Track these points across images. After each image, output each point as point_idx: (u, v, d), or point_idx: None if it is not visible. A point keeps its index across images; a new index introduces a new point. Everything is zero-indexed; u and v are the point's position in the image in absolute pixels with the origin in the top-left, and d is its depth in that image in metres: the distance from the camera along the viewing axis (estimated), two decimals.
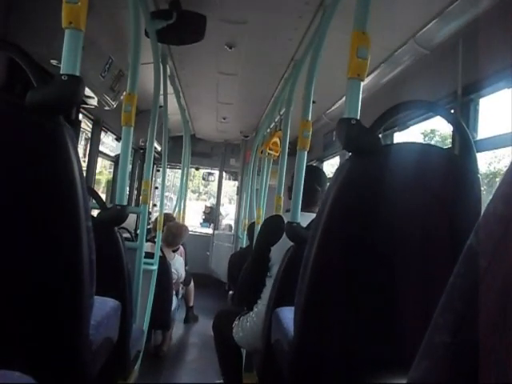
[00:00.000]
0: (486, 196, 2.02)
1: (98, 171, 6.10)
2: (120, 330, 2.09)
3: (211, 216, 10.28)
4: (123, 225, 2.81)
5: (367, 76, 3.80)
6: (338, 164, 5.65)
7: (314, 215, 2.13)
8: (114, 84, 4.13)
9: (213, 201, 10.89)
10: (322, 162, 6.52)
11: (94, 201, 2.67)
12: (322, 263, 1.63)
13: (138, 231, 3.58)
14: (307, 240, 1.74)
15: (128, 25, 2.76)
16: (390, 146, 2.05)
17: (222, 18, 3.46)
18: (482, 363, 0.51)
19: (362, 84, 1.75)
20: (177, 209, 7.37)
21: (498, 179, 0.56)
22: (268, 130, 6.07)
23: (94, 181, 5.49)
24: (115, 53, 3.91)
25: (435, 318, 0.58)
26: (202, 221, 11.25)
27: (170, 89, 4.64)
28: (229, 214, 11.08)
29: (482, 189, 1.70)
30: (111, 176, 6.99)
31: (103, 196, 6.43)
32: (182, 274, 5.43)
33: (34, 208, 1.32)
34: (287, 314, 2.06)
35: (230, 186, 11.02)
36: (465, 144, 1.72)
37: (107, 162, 7.02)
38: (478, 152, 1.76)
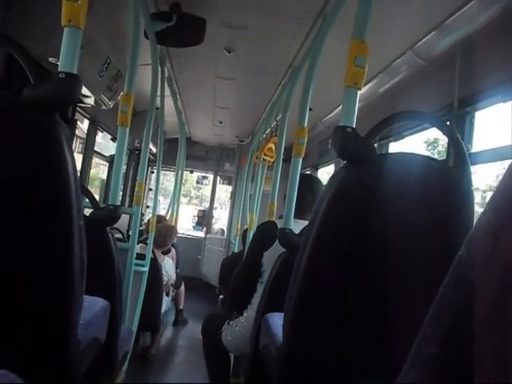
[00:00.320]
0: None
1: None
2: (108, 331, 2.09)
3: (204, 219, 10.25)
4: (116, 225, 2.81)
5: (365, 85, 3.81)
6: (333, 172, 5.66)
7: (306, 223, 2.13)
8: (111, 84, 4.12)
9: (206, 205, 10.84)
10: (317, 169, 6.53)
11: (87, 200, 2.66)
12: (313, 270, 1.63)
13: (130, 232, 3.57)
14: (299, 246, 1.75)
15: (128, 25, 2.76)
16: (385, 155, 2.05)
17: (221, 22, 3.46)
18: (474, 378, 0.51)
19: (359, 93, 1.76)
20: (169, 212, 7.36)
21: None
22: (264, 136, 6.07)
23: (88, 180, 5.48)
24: (114, 53, 3.91)
25: (423, 329, 0.58)
26: (194, 224, 11.21)
27: (167, 91, 4.64)
28: (221, 218, 11.05)
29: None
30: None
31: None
32: (172, 276, 5.43)
33: (26, 204, 1.32)
34: (276, 320, 2.06)
35: (222, 191, 10.99)
36: (459, 156, 1.73)
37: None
38: (472, 165, 1.77)
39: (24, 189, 1.32)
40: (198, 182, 10.70)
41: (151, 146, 6.72)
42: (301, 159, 2.71)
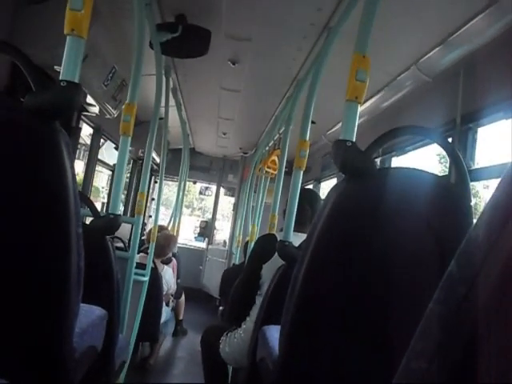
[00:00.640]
0: None
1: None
2: (105, 340, 2.08)
3: (206, 230, 10.26)
4: (118, 234, 2.81)
5: (368, 100, 3.84)
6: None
7: (306, 236, 2.13)
8: (116, 93, 4.14)
9: (208, 216, 10.83)
10: (320, 182, 6.53)
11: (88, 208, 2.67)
12: (310, 284, 1.63)
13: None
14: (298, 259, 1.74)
15: (133, 35, 2.77)
16: (385, 170, 2.05)
17: (226, 34, 3.47)
18: None
19: (361, 107, 1.76)
20: (171, 222, 7.36)
21: None
22: (267, 148, 6.08)
23: (91, 188, 5.49)
24: (119, 62, 3.93)
25: (413, 344, 0.58)
26: (196, 235, 11.21)
27: (172, 101, 4.66)
28: (223, 229, 11.04)
29: None
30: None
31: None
32: (172, 286, 5.42)
33: (24, 211, 1.32)
34: (273, 333, 2.05)
35: (225, 203, 10.99)
36: (459, 173, 1.73)
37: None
38: (475, 181, 1.77)
39: (22, 195, 1.32)
40: (200, 193, 10.71)
41: (155, 156, 6.73)
42: (302, 172, 2.71)
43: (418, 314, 0.60)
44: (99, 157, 5.62)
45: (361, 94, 1.73)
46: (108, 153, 6.28)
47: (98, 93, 3.86)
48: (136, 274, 3.47)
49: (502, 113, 2.53)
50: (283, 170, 3.61)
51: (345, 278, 1.60)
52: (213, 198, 10.14)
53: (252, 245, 4.86)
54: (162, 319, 5.04)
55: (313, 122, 2.78)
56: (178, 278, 6.03)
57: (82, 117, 4.50)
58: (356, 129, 1.74)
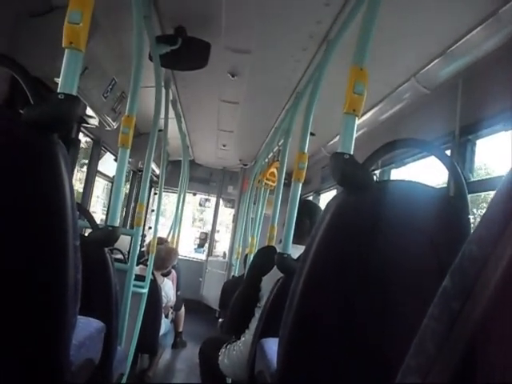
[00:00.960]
0: None
1: None
2: (103, 352, 2.07)
3: (205, 242, 10.24)
4: (117, 246, 2.80)
5: (367, 112, 3.85)
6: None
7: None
8: (115, 105, 4.15)
9: (208, 227, 10.82)
10: (319, 194, 6.53)
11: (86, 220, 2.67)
12: (308, 297, 1.62)
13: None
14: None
15: (133, 48, 2.78)
16: (383, 182, 2.05)
17: (226, 47, 3.49)
18: None
19: (360, 119, 1.76)
20: (171, 234, 7.35)
21: None
22: (266, 160, 6.09)
23: (90, 200, 5.49)
24: (119, 75, 3.94)
25: (408, 360, 0.58)
26: (196, 246, 11.19)
27: (171, 113, 4.67)
28: (220, 241, 11.02)
29: None
30: None
31: None
32: (172, 298, 5.40)
33: (21, 223, 1.32)
34: (272, 346, 2.04)
35: (225, 214, 10.98)
36: (457, 185, 1.73)
37: None
38: (473, 193, 1.77)
39: (19, 207, 1.32)
40: (200, 205, 10.71)
41: (154, 168, 6.73)
42: (301, 184, 2.71)
43: (416, 329, 0.59)
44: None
45: (359, 107, 1.74)
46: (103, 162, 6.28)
47: (97, 105, 3.87)
48: (135, 285, 3.46)
49: (501, 125, 2.53)
50: (282, 181, 3.61)
51: (343, 291, 1.59)
52: (212, 209, 10.14)
53: (251, 257, 4.85)
54: (161, 331, 5.01)
55: (312, 134, 2.79)
56: (177, 290, 6.01)
57: (82, 128, 4.51)
58: (354, 141, 1.74)
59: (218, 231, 10.53)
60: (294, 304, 1.63)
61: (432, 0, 2.44)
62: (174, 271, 5.97)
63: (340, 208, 1.60)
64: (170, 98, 4.46)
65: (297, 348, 1.66)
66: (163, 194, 5.20)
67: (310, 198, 6.61)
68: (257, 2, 2.85)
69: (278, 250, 2.63)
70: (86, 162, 5.51)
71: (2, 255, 1.30)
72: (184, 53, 3.32)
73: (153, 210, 8.87)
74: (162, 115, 3.80)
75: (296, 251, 2.55)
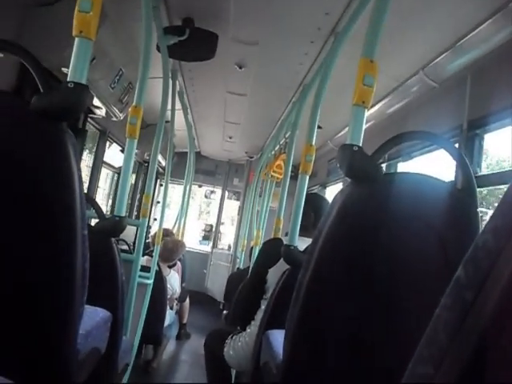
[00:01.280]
0: None
1: None
2: (109, 342, 2.08)
3: (211, 234, 10.25)
4: (123, 237, 2.80)
5: (375, 105, 3.84)
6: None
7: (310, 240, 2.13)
8: (122, 96, 4.15)
9: (214, 219, 10.80)
10: (325, 187, 6.52)
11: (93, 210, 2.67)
12: (315, 289, 1.62)
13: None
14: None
15: (141, 38, 2.78)
16: (391, 175, 2.03)
17: (233, 38, 3.48)
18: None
19: (368, 112, 1.75)
20: (176, 225, 7.36)
21: None
22: (273, 152, 6.08)
23: (96, 190, 5.49)
24: (126, 65, 3.94)
25: (420, 350, 0.58)
26: (201, 238, 11.19)
27: (178, 105, 4.66)
28: (226, 233, 11.01)
29: None
30: None
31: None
32: (177, 289, 5.41)
33: (30, 212, 1.32)
34: (278, 337, 2.05)
35: (230, 207, 10.96)
36: (466, 179, 1.72)
37: None
38: (481, 187, 1.76)
39: (28, 196, 1.32)
40: (206, 197, 10.70)
41: (160, 159, 6.73)
42: (308, 177, 2.70)
43: (424, 323, 0.59)
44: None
45: (368, 99, 1.73)
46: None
47: (104, 95, 3.88)
48: (140, 276, 3.47)
49: (510, 119, 2.52)
50: (289, 174, 3.60)
51: (349, 285, 1.59)
52: (218, 201, 10.14)
53: (257, 249, 4.85)
54: (166, 322, 5.03)
55: (319, 127, 2.78)
56: (182, 282, 6.02)
57: (89, 119, 4.51)
58: (363, 133, 1.73)
59: (223, 223, 10.54)
60: (301, 296, 1.63)
61: None
62: (179, 263, 5.98)
63: (348, 200, 1.59)
64: (177, 89, 4.45)
65: (303, 340, 1.66)
66: (169, 185, 5.20)
67: (316, 191, 6.60)
68: None
69: (285, 242, 2.63)
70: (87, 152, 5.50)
71: (11, 243, 1.30)
72: (191, 44, 3.31)
73: (158, 202, 8.86)
74: (169, 106, 3.79)
75: (302, 243, 2.55)
